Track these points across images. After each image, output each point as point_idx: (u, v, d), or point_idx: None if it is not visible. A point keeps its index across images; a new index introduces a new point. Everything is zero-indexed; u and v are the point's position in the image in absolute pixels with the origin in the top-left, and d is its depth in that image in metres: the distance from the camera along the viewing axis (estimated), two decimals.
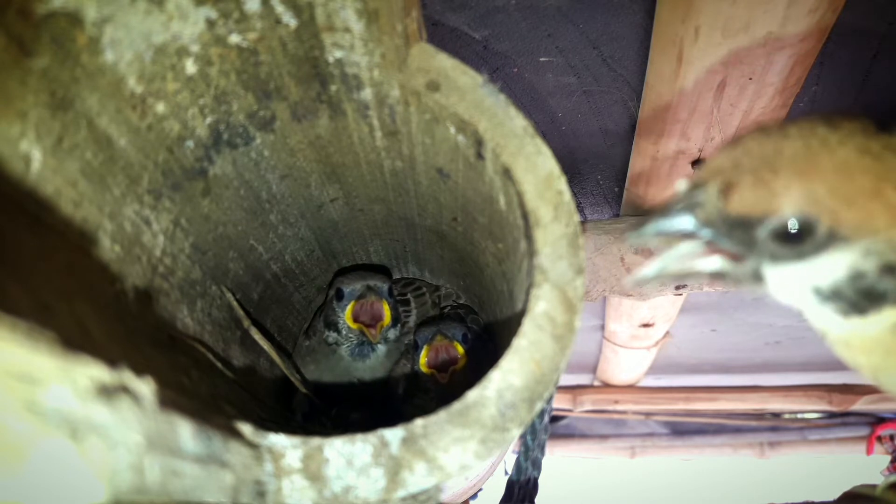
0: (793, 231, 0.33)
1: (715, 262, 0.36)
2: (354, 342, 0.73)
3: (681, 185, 0.36)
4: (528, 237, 0.40)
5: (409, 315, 0.79)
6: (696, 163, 0.86)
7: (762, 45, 0.66)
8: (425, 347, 0.71)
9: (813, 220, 0.32)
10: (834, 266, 0.33)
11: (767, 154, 0.34)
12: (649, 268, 0.37)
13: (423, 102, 0.43)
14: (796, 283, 0.35)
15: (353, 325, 0.71)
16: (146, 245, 0.46)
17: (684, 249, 0.36)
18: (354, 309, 0.71)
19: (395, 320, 0.75)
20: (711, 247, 0.36)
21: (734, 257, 0.36)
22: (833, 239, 0.33)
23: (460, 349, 0.70)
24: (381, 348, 0.75)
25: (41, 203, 0.36)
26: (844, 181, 0.32)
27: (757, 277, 0.36)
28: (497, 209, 0.47)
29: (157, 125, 0.43)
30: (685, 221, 0.35)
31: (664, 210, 0.36)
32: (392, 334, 0.75)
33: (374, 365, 0.75)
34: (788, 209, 0.33)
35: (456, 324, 0.73)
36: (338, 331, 0.73)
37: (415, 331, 0.76)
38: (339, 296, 0.72)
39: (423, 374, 0.71)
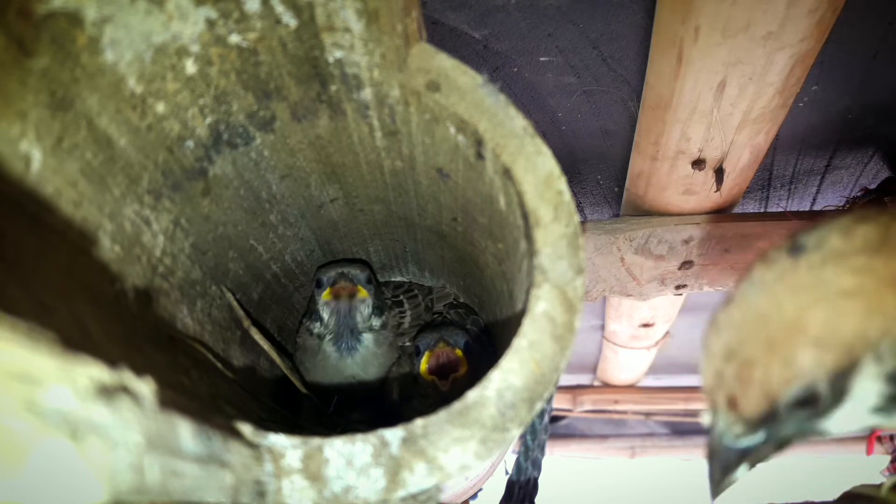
0: (806, 401, 0.34)
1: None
2: (335, 330, 0.74)
3: (706, 418, 0.39)
4: (528, 237, 0.40)
5: (404, 317, 0.79)
6: (697, 163, 0.86)
7: (762, 45, 0.66)
8: (427, 353, 0.71)
9: (813, 389, 0.33)
10: (865, 392, 0.34)
11: (744, 346, 0.35)
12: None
13: (423, 102, 0.43)
14: (851, 422, 0.35)
15: (329, 299, 0.73)
16: (146, 245, 0.46)
17: (743, 470, 0.39)
18: (332, 292, 0.73)
19: (379, 308, 0.75)
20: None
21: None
22: (844, 374, 0.33)
23: (461, 355, 0.70)
24: (368, 338, 0.75)
25: (41, 203, 0.36)
26: (822, 334, 0.33)
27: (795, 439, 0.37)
28: (497, 209, 0.47)
29: (157, 125, 0.43)
30: (732, 459, 0.38)
31: (711, 460, 0.39)
32: (376, 322, 0.75)
33: (364, 359, 0.75)
34: (790, 391, 0.34)
35: (458, 331, 0.73)
36: (320, 319, 0.74)
37: (416, 336, 0.76)
38: (318, 284, 0.74)
39: (424, 380, 0.71)
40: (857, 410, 0.34)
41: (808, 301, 0.33)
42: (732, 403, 0.36)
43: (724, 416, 0.37)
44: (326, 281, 0.73)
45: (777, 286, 0.35)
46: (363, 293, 0.74)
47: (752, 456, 0.38)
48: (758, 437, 0.36)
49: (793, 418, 0.35)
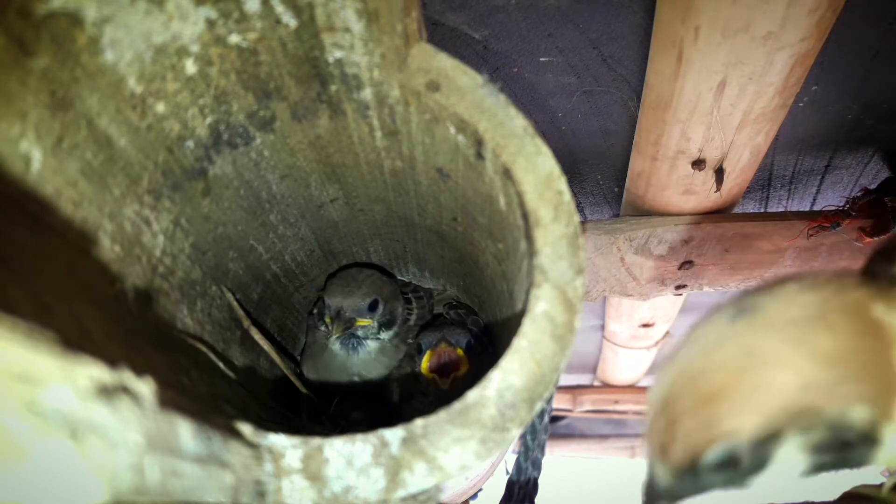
0: (726, 463, 0.34)
1: None
2: (340, 337, 0.75)
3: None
4: (528, 237, 0.40)
5: (411, 314, 0.80)
6: (697, 163, 0.86)
7: (762, 45, 0.66)
8: (428, 352, 0.71)
9: (733, 453, 0.34)
10: (789, 460, 0.34)
11: (676, 404, 0.36)
12: None
13: (423, 102, 0.43)
14: (780, 481, 0.36)
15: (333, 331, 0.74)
16: (146, 245, 0.46)
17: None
18: (335, 323, 0.73)
19: (388, 324, 0.76)
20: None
21: None
22: (766, 443, 0.33)
23: (462, 355, 0.71)
24: (372, 344, 0.76)
25: (41, 203, 0.36)
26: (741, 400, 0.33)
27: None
28: (497, 209, 0.47)
29: (157, 125, 0.43)
30: (660, 497, 0.38)
31: (644, 494, 0.40)
32: (385, 335, 0.76)
33: (367, 358, 0.76)
34: (710, 453, 0.34)
35: (461, 331, 0.73)
36: (325, 326, 0.75)
37: (417, 334, 0.76)
38: (325, 304, 0.74)
39: (425, 378, 0.71)
40: (783, 474, 0.35)
41: (737, 367, 0.33)
42: (663, 451, 0.37)
43: (656, 460, 0.38)
44: (331, 309, 0.73)
45: (712, 348, 0.35)
46: (364, 323, 0.74)
47: (678, 497, 0.39)
48: (684, 484, 0.37)
49: (715, 475, 0.35)
